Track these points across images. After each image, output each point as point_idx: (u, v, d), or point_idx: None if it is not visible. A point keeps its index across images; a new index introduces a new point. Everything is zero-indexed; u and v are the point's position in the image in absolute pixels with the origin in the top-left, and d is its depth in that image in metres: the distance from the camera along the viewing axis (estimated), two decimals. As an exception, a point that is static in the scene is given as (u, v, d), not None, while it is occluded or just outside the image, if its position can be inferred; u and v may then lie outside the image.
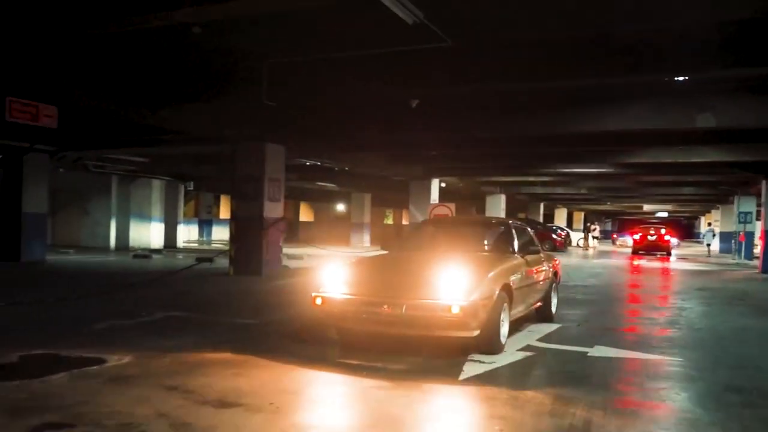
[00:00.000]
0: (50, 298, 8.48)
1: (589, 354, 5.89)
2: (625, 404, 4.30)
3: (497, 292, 5.70)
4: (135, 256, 18.20)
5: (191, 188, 25.93)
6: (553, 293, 8.01)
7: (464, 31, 7.19)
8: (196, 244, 27.43)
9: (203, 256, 16.89)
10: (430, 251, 7.09)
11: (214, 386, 4.35)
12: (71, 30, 7.29)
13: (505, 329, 5.98)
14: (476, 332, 5.50)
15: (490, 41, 7.81)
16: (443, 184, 21.91)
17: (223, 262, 14.01)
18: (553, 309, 8.05)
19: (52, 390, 4.22)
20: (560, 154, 16.22)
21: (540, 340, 6.54)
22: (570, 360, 5.72)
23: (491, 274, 5.86)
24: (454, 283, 5.47)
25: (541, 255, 7.88)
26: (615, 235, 41.71)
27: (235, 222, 13.39)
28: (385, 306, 5.51)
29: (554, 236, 27.81)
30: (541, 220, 34.63)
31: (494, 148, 14.89)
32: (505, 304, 5.95)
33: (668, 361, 5.66)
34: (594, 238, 34.87)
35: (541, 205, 36.13)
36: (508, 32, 7.45)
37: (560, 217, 42.76)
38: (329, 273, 6.07)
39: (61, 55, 8.34)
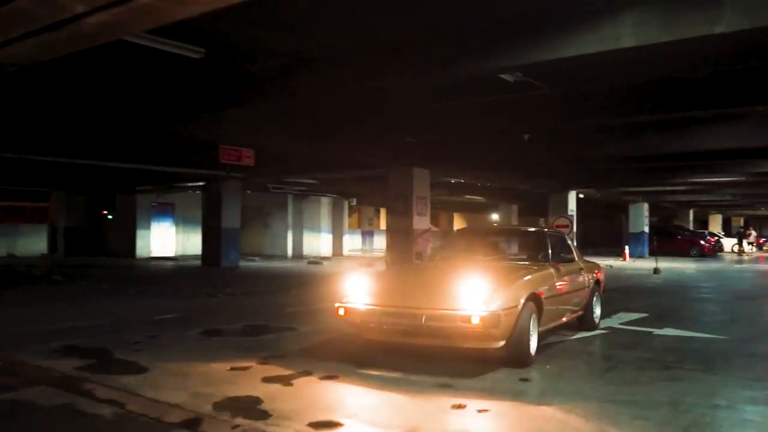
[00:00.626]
0: (252, 292, 11.59)
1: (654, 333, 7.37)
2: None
3: (523, 302, 5.52)
4: (309, 263, 21.69)
5: (354, 203, 29.48)
6: (595, 302, 7.87)
7: (557, 82, 9.00)
8: (359, 252, 30.72)
9: (365, 262, 19.83)
10: (457, 261, 6.97)
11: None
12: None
13: (534, 340, 5.80)
14: (501, 343, 5.38)
15: (582, 89, 9.51)
16: (581, 195, 23.05)
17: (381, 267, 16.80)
18: (596, 318, 7.91)
19: (267, 342, 6.85)
20: (691, 167, 16.94)
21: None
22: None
23: (516, 283, 5.74)
24: (474, 293, 5.29)
25: (579, 264, 7.71)
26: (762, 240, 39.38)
27: (389, 233, 16.00)
28: (405, 316, 5.44)
29: (702, 242, 27.76)
30: (690, 226, 34.16)
31: (624, 164, 16.14)
32: (534, 314, 5.76)
33: None
34: (750, 243, 33.56)
35: (690, 212, 35.46)
36: (600, 83, 9.10)
37: (715, 223, 41.49)
38: (352, 283, 5.97)
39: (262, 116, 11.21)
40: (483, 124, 11.19)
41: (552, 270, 6.59)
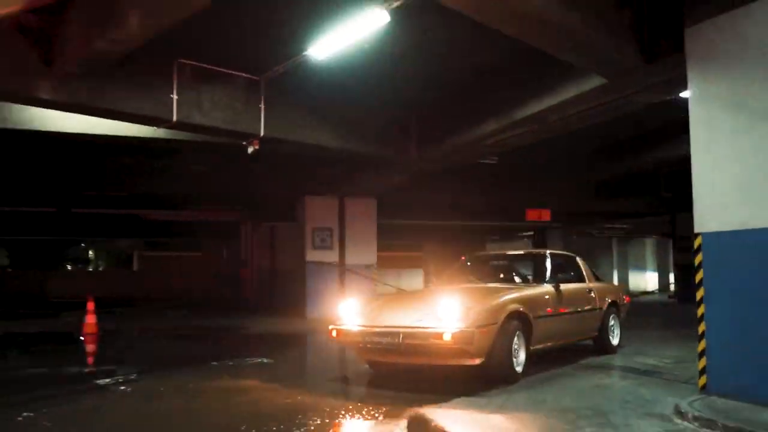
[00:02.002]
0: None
1: None
2: None
3: (502, 320, 5.59)
4: (636, 295, 25.53)
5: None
6: (612, 325, 7.80)
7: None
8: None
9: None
10: (452, 285, 7.07)
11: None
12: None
13: (520, 358, 5.88)
14: (478, 360, 5.49)
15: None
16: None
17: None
18: (614, 341, 7.84)
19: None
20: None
21: None
22: None
23: (494, 302, 5.79)
24: (448, 311, 5.43)
25: (588, 285, 7.64)
26: None
27: (676, 267, 19.32)
28: (386, 335, 5.63)
29: None
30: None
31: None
32: (519, 333, 5.84)
33: None
34: None
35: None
36: None
37: None
38: (345, 306, 6.28)
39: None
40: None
41: (549, 290, 6.64)
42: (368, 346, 5.84)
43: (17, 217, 20.97)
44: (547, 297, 6.53)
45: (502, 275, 7.30)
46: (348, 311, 6.18)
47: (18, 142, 10.69)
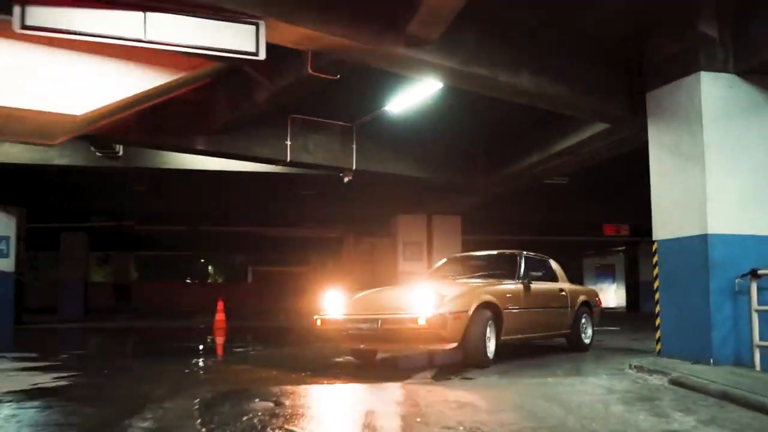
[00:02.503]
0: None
1: None
2: None
3: (474, 308, 6.07)
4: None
5: None
6: (584, 323, 8.34)
7: None
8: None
9: None
10: (433, 280, 7.61)
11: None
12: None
13: (492, 347, 6.39)
14: (452, 345, 5.98)
15: None
16: None
17: None
18: (586, 340, 8.37)
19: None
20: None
21: None
22: None
23: (468, 292, 6.31)
24: (423, 298, 5.95)
25: (560, 285, 8.23)
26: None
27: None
28: (366, 321, 6.10)
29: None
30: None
31: None
32: (490, 322, 6.35)
33: None
34: None
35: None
36: None
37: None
38: (329, 297, 6.78)
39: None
40: None
41: (519, 287, 7.18)
42: (350, 332, 6.27)
43: (150, 234, 24.91)
44: (517, 292, 7.08)
45: (478, 273, 7.80)
46: (332, 302, 6.70)
47: (166, 177, 13.95)
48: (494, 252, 8.63)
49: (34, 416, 4.49)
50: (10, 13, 4.60)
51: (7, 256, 15.81)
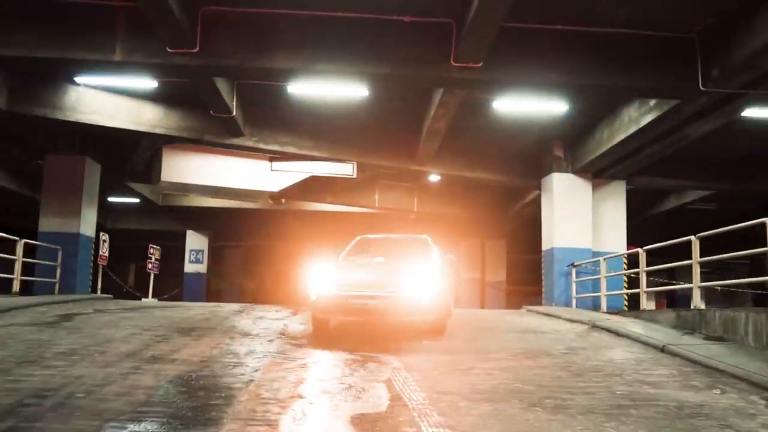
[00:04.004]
0: None
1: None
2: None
3: (442, 290, 7.94)
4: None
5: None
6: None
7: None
8: None
9: None
10: (360, 258, 8.65)
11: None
12: None
13: (450, 319, 8.70)
14: (432, 318, 7.60)
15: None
16: None
17: None
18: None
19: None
20: None
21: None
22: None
23: (442, 277, 8.01)
24: (423, 282, 7.40)
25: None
26: None
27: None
28: (370, 299, 7.22)
29: None
30: None
31: None
32: (449, 298, 8.79)
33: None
34: None
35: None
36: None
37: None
38: (318, 276, 7.65)
39: None
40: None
41: (441, 265, 8.65)
42: (352, 307, 7.29)
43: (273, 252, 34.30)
44: (445, 272, 8.49)
45: (392, 253, 8.77)
46: (322, 281, 7.55)
47: (310, 216, 22.68)
48: (400, 235, 11.31)
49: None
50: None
51: (202, 262, 25.45)
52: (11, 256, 11.25)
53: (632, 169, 13.74)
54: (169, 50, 8.54)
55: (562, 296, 13.55)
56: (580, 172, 13.84)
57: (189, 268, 25.12)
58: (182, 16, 7.93)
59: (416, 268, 7.71)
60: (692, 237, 8.64)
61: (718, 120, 10.58)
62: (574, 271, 13.40)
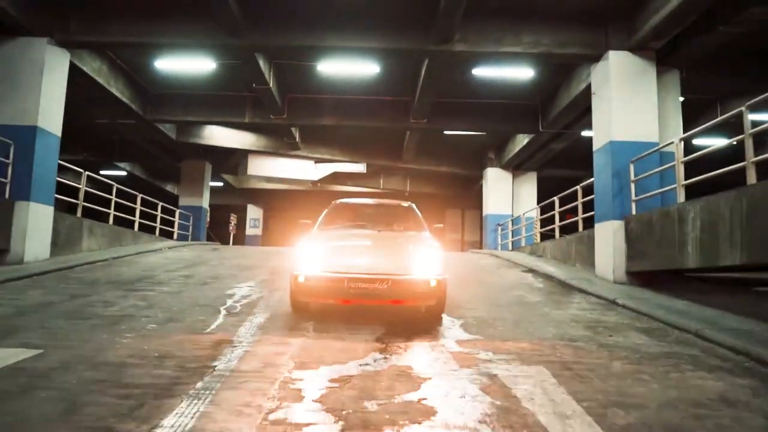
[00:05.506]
0: None
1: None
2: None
3: (444, 273, 7.23)
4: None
5: None
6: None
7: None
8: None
9: None
10: (341, 227, 8.02)
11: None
12: None
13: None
14: (435, 301, 6.84)
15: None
16: None
17: None
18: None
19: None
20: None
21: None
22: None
23: (440, 260, 6.98)
24: (428, 264, 6.75)
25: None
26: None
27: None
28: (373, 282, 6.47)
29: None
30: None
31: None
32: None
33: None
34: None
35: None
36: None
37: None
38: (305, 252, 6.75)
39: None
40: None
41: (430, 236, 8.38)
42: (351, 291, 6.42)
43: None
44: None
45: (380, 225, 8.09)
46: (309, 259, 6.69)
47: (327, 195, 31.56)
48: (382, 201, 10.70)
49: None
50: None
51: (258, 227, 34.71)
52: (170, 218, 20.37)
53: (538, 164, 22.33)
54: (271, 117, 17.42)
55: (492, 244, 22.29)
56: (504, 166, 22.52)
57: (249, 231, 34.39)
58: (280, 99, 16.71)
59: (420, 247, 6.94)
60: (555, 198, 17.44)
61: (564, 141, 19.11)
62: (499, 228, 22.11)
